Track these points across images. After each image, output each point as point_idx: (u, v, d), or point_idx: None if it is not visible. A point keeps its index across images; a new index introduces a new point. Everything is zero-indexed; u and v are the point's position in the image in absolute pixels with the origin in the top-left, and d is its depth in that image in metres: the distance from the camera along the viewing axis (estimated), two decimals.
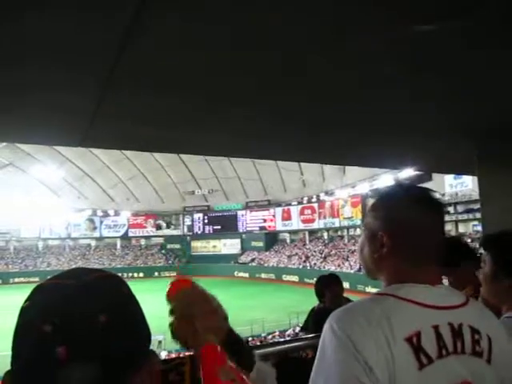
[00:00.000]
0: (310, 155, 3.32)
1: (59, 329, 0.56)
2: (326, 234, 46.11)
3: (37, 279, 46.77)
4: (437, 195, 1.09)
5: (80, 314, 0.58)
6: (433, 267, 1.04)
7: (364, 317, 0.93)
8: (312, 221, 45.74)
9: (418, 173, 25.91)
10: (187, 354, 0.89)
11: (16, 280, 46.93)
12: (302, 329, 3.16)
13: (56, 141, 2.47)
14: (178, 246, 54.48)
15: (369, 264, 1.12)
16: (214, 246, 53.44)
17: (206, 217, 53.87)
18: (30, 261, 51.31)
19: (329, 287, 3.52)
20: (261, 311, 27.03)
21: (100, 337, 0.57)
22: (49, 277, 0.66)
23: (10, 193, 46.90)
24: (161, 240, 56.06)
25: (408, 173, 29.73)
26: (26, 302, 0.64)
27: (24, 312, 0.62)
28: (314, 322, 2.86)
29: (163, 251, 55.30)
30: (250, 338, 20.73)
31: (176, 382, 0.85)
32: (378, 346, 0.88)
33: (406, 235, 1.04)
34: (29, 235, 52.30)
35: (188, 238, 54.53)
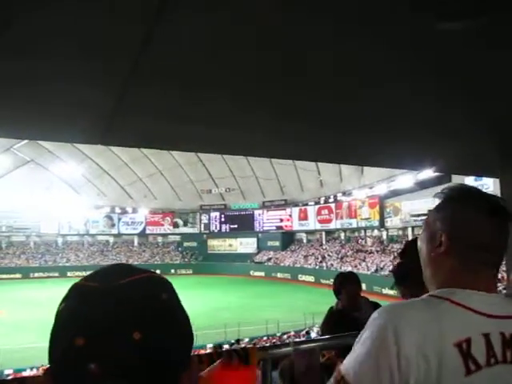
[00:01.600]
0: (330, 155, 3.29)
1: (91, 344, 0.55)
2: (342, 235, 45.86)
3: (56, 274, 47.75)
4: (506, 204, 1.08)
5: (113, 329, 0.56)
6: (490, 274, 1.04)
7: (416, 317, 0.93)
8: (329, 221, 45.53)
9: (436, 174, 25.60)
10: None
11: (36, 275, 47.90)
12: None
13: (76, 138, 2.49)
14: (194, 244, 54.82)
15: (426, 264, 1.12)
16: (231, 245, 53.62)
17: (222, 215, 54.06)
18: (49, 256, 52.24)
19: (345, 286, 3.48)
20: (276, 311, 27.04)
21: (134, 354, 0.55)
22: (83, 275, 0.58)
23: (31, 189, 47.80)
24: (177, 238, 56.49)
25: (427, 174, 29.43)
26: (61, 303, 0.62)
27: (59, 316, 0.61)
28: (330, 323, 2.84)
29: (180, 249, 55.70)
30: (264, 337, 20.77)
31: None
32: (422, 349, 0.88)
33: (466, 237, 1.04)
34: (48, 231, 53.25)
35: (204, 236, 54.81)
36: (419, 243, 1.16)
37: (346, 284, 3.48)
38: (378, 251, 38.66)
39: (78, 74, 1.42)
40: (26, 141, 41.86)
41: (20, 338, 21.09)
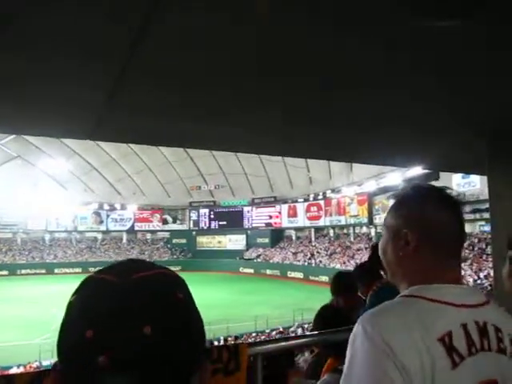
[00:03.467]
0: (319, 152, 3.31)
1: (101, 336, 0.55)
2: (331, 232, 46.06)
3: (43, 271, 47.36)
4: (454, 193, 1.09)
5: (124, 322, 0.55)
6: (456, 266, 1.05)
7: (399, 320, 0.93)
8: (318, 218, 45.70)
9: (425, 171, 25.81)
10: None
11: (23, 272, 47.44)
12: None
13: (65, 133, 2.47)
14: (183, 241, 54.70)
15: (393, 265, 1.11)
16: (220, 242, 53.59)
17: (211, 212, 54.00)
18: (36, 253, 51.75)
19: (344, 293, 3.46)
20: (265, 307, 27.10)
21: (143, 348, 0.55)
22: (96, 270, 0.61)
23: (18, 185, 47.27)
24: (167, 234, 56.33)
25: (415, 171, 29.65)
26: (73, 295, 0.62)
27: (70, 308, 0.61)
28: (325, 319, 2.83)
29: (169, 245, 55.53)
30: (253, 334, 20.81)
31: None
32: (416, 350, 0.88)
33: (431, 232, 1.04)
34: (36, 227, 52.72)
35: (194, 232, 54.71)
36: (381, 246, 1.15)
37: (345, 290, 3.45)
38: (366, 248, 38.90)
39: (69, 72, 1.41)
40: (12, 136, 41.36)
41: (6, 335, 20.88)
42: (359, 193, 40.11)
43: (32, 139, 43.27)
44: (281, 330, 21.23)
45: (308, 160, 38.27)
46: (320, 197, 44.84)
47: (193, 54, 1.34)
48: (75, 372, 0.56)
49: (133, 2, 1.02)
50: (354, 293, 3.45)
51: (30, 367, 15.67)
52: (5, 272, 46.79)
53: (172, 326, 0.58)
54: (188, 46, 1.28)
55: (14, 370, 14.52)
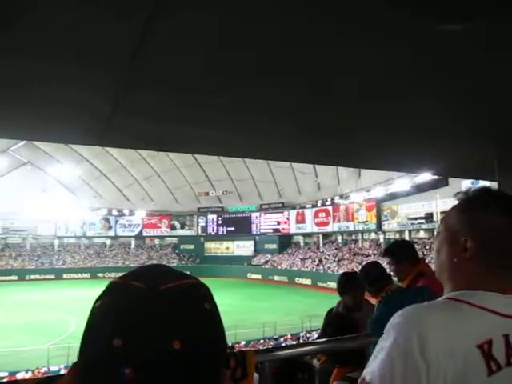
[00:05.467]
0: (326, 158, 3.30)
1: (129, 347, 0.53)
2: (340, 238, 45.87)
3: (52, 276, 47.60)
4: None
5: (154, 335, 0.54)
6: (508, 274, 1.02)
7: (438, 320, 0.92)
8: (326, 224, 45.54)
9: (434, 177, 25.66)
10: None
11: (32, 277, 47.69)
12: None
13: (74, 139, 2.48)
14: (191, 247, 54.75)
15: (445, 267, 1.09)
16: (228, 248, 53.56)
17: (219, 218, 54.02)
18: (45, 258, 52.03)
19: (351, 286, 3.46)
20: (273, 313, 27.00)
21: (171, 364, 0.54)
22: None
23: (28, 191, 47.65)
24: (175, 240, 56.40)
25: (424, 177, 29.51)
26: (98, 300, 0.60)
27: (95, 313, 0.59)
28: (332, 327, 2.81)
29: (177, 251, 55.60)
30: (261, 340, 20.73)
31: None
32: (450, 352, 0.88)
33: (492, 244, 1.01)
34: (45, 233, 53.04)
35: (202, 238, 54.73)
36: (437, 245, 1.12)
37: (352, 284, 3.45)
38: (375, 254, 38.68)
39: (76, 78, 1.41)
40: (23, 142, 41.78)
41: (15, 340, 20.98)
42: (367, 199, 39.94)
43: (42, 145, 43.68)
44: (289, 336, 21.13)
45: (316, 166, 38.23)
46: (328, 203, 44.70)
47: (200, 56, 1.34)
48: (96, 380, 0.55)
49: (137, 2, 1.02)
50: (360, 291, 3.45)
51: (38, 372, 15.71)
52: (14, 277, 47.11)
53: (200, 341, 0.57)
54: (194, 47, 1.27)
55: (21, 375, 14.58)
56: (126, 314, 0.56)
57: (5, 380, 7.91)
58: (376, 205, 39.41)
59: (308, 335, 20.26)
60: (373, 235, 42.39)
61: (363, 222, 41.38)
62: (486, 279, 1.00)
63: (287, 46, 1.29)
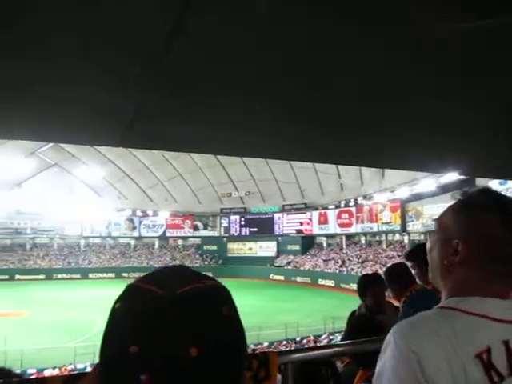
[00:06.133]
0: (348, 158, 3.26)
1: (146, 354, 0.53)
2: (363, 239, 45.44)
3: (78, 276, 48.57)
4: None
5: (170, 342, 0.54)
6: (505, 280, 0.97)
7: (432, 332, 0.88)
8: (349, 225, 45.19)
9: (460, 177, 25.17)
10: None
11: (59, 276, 48.77)
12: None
13: (97, 141, 2.52)
14: (214, 248, 55.05)
15: (436, 269, 1.05)
16: (250, 248, 53.65)
17: (242, 219, 54.16)
18: (72, 258, 53.11)
19: (371, 287, 3.42)
20: (296, 315, 26.90)
21: (188, 371, 0.53)
22: (134, 276, 0.58)
23: (55, 192, 48.74)
24: (198, 241, 56.80)
25: (450, 177, 28.97)
26: (117, 302, 0.60)
27: (114, 316, 0.59)
28: (356, 328, 2.77)
29: (200, 252, 55.98)
30: (284, 342, 20.69)
31: None
32: (447, 365, 0.83)
33: (489, 249, 0.96)
34: (72, 233, 54.15)
35: (224, 239, 54.98)
36: (429, 245, 1.08)
37: (372, 285, 3.41)
38: (399, 256, 38.18)
39: (99, 79, 1.43)
40: (50, 145, 42.75)
41: (43, 337, 21.46)
42: (391, 199, 39.43)
43: (68, 147, 44.59)
44: (311, 338, 21.02)
45: (339, 166, 37.96)
46: (351, 203, 44.33)
47: (221, 59, 1.34)
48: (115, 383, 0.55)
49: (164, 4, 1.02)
50: (381, 292, 3.39)
51: (65, 370, 16.03)
52: (42, 276, 48.24)
53: (218, 346, 0.56)
54: (219, 50, 1.28)
55: (49, 372, 14.92)
56: (141, 320, 0.56)
57: (33, 377, 8.10)
58: (400, 205, 38.88)
59: (331, 337, 20.12)
60: (397, 236, 41.85)
61: (387, 223, 40.89)
62: (483, 284, 0.95)
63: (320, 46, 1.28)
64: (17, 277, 47.37)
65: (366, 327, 2.60)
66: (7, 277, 46.78)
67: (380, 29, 1.20)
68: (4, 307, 29.69)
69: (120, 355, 0.54)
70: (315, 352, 2.05)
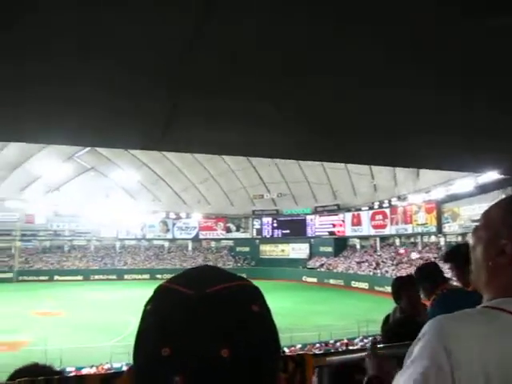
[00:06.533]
0: (384, 159, 3.21)
1: (178, 356, 0.53)
2: (398, 241, 44.59)
3: (114, 277, 49.62)
4: None
5: (202, 343, 0.54)
6: None
7: (471, 331, 0.84)
8: (383, 226, 44.44)
9: (500, 176, 24.34)
10: None
11: (96, 277, 50.01)
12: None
13: (134, 144, 2.57)
14: (247, 249, 55.21)
15: (479, 267, 1.00)
16: (283, 250, 53.53)
17: (274, 221, 54.11)
18: (108, 259, 54.36)
19: (406, 289, 3.34)
20: (329, 317, 26.68)
21: (221, 372, 0.53)
22: (167, 278, 0.52)
23: (92, 195, 50.07)
24: (230, 243, 57.10)
25: (489, 177, 28.05)
26: (148, 303, 0.61)
27: (145, 317, 0.60)
28: (393, 332, 2.70)
29: (232, 253, 56.25)
30: (317, 344, 20.53)
31: None
32: (483, 366, 0.80)
33: None
34: (108, 235, 55.45)
35: (257, 241, 55.08)
36: (473, 241, 1.03)
37: (407, 287, 3.33)
38: (435, 258, 37.27)
39: (137, 86, 1.46)
40: (87, 149, 43.93)
41: (81, 337, 22.04)
42: (427, 200, 38.51)
43: (104, 152, 45.73)
44: (345, 341, 20.77)
45: (372, 167, 37.42)
46: (385, 205, 43.58)
47: (251, 59, 1.34)
48: None
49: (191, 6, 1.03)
50: (416, 294, 3.31)
51: (102, 368, 16.42)
52: (79, 277, 49.62)
53: (249, 346, 0.55)
54: (248, 49, 1.28)
55: (86, 370, 15.29)
56: (171, 321, 0.56)
57: (72, 374, 8.31)
58: (436, 206, 37.95)
59: (365, 340, 19.82)
60: (433, 238, 40.87)
61: (422, 225, 39.98)
62: None
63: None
64: (56, 277, 48.90)
65: (404, 331, 2.53)
66: (47, 277, 48.43)
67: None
68: (44, 307, 30.71)
69: (153, 357, 0.55)
70: (352, 355, 2.02)
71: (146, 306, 0.61)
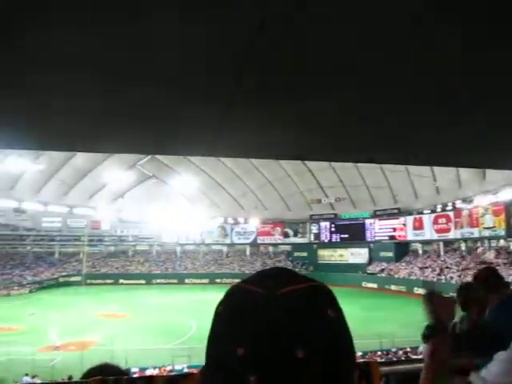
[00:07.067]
0: (445, 158, 3.07)
1: (253, 356, 0.53)
2: (463, 245, 42.55)
3: (175, 281, 50.92)
4: None
5: (276, 343, 0.54)
6: None
7: None
8: (447, 230, 42.61)
9: None
10: None
11: (158, 281, 51.57)
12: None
13: (184, 151, 2.63)
14: (304, 254, 54.82)
15: None
16: (341, 255, 52.69)
17: (332, 225, 53.42)
18: (169, 264, 55.95)
19: (474, 297, 3.14)
20: (390, 325, 25.85)
21: (296, 373, 0.53)
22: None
23: (153, 201, 51.82)
24: (288, 248, 57.00)
25: None
26: (221, 304, 0.61)
27: (218, 319, 0.60)
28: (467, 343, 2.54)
29: (290, 258, 56.06)
30: (379, 352, 19.94)
31: None
32: None
33: None
34: (168, 240, 57.12)
35: (315, 246, 54.57)
36: None
37: (475, 295, 3.13)
38: (505, 264, 35.20)
39: (185, 95, 1.49)
40: (148, 157, 45.61)
41: (145, 339, 22.78)
42: (494, 202, 36.51)
43: (164, 159, 47.21)
44: (408, 350, 20.03)
45: (434, 168, 36.05)
46: (449, 207, 41.81)
47: (303, 62, 1.32)
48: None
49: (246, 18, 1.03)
50: (486, 302, 3.11)
51: (164, 370, 16.83)
52: (142, 281, 51.44)
53: (326, 349, 0.55)
54: (301, 53, 1.26)
55: (149, 372, 15.77)
56: (245, 320, 0.56)
57: (136, 375, 8.59)
58: (505, 209, 35.87)
59: None
60: (501, 242, 38.62)
61: (490, 228, 37.91)
62: None
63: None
64: (120, 281, 51.02)
65: (480, 343, 2.39)
66: (112, 281, 50.64)
67: None
68: (110, 309, 32.08)
69: (227, 357, 0.55)
70: (418, 364, 1.94)
71: (218, 306, 0.61)
